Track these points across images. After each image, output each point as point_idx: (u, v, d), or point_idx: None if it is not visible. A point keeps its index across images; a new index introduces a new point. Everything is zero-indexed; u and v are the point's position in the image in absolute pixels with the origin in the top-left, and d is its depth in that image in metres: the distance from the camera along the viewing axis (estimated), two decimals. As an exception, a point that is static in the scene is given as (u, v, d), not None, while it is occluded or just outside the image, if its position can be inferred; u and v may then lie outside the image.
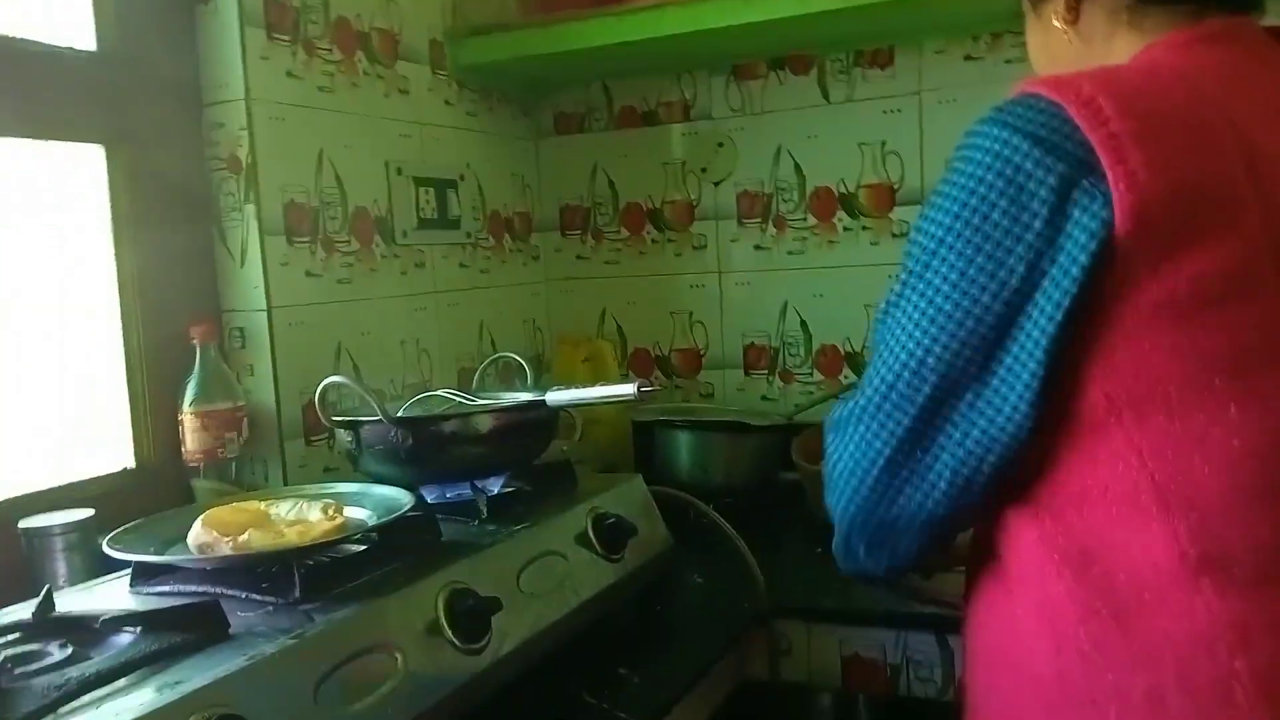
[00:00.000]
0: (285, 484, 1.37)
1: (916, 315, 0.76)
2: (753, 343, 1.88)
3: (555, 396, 1.14)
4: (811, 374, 1.83)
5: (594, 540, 1.16)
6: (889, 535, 0.82)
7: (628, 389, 1.08)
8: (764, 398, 1.87)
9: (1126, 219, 0.68)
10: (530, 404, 1.17)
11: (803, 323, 1.83)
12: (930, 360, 0.75)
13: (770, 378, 1.87)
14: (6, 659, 0.77)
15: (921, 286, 0.76)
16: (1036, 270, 0.71)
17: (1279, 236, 0.70)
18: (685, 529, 1.36)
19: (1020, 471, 0.76)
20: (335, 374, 1.35)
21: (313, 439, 1.42)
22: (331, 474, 1.42)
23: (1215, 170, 0.70)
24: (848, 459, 0.81)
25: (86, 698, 0.72)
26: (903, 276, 0.78)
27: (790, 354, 1.85)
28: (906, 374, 0.76)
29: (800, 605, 1.27)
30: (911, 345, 0.76)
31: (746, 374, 1.88)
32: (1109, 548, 0.72)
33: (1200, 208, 0.69)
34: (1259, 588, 0.68)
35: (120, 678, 0.74)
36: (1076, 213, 0.70)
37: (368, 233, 1.55)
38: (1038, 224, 0.71)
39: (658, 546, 1.28)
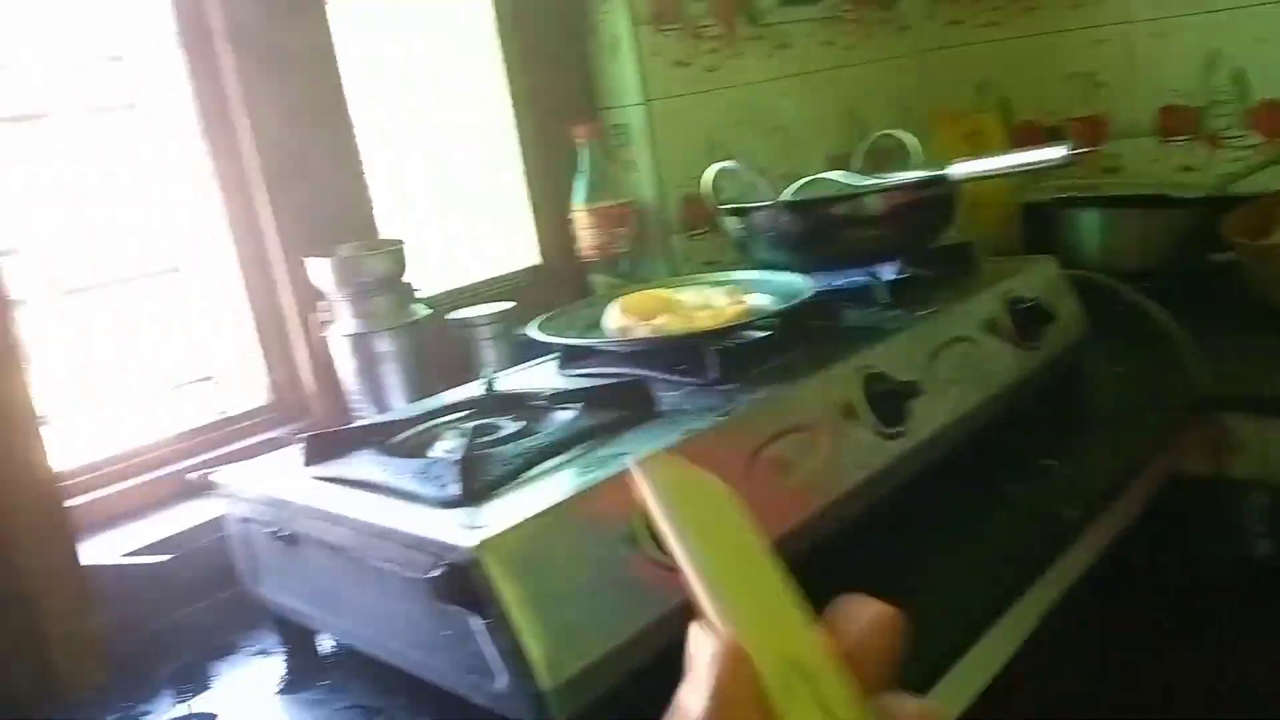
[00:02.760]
0: (673, 277, 1.39)
1: None
2: (1170, 104, 1.61)
3: (961, 169, 1.04)
4: (1245, 136, 1.55)
5: (1007, 325, 1.07)
6: None
7: (1054, 153, 0.96)
8: (1185, 168, 1.61)
9: None
10: (930, 180, 1.07)
11: (1237, 74, 1.54)
12: None
13: (1192, 144, 1.60)
14: (473, 429, 0.84)
15: None
16: None
17: None
18: (1098, 316, 1.23)
19: None
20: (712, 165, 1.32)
21: (694, 233, 1.43)
22: (713, 266, 1.43)
23: None
24: None
25: (546, 464, 0.77)
26: None
27: (1218, 114, 1.57)
28: None
29: (1249, 395, 1.11)
30: None
31: (1162, 141, 1.63)
32: None
33: None
34: None
35: (573, 446, 0.79)
36: None
37: (731, 15, 1.48)
38: None
39: (1074, 334, 1.16)
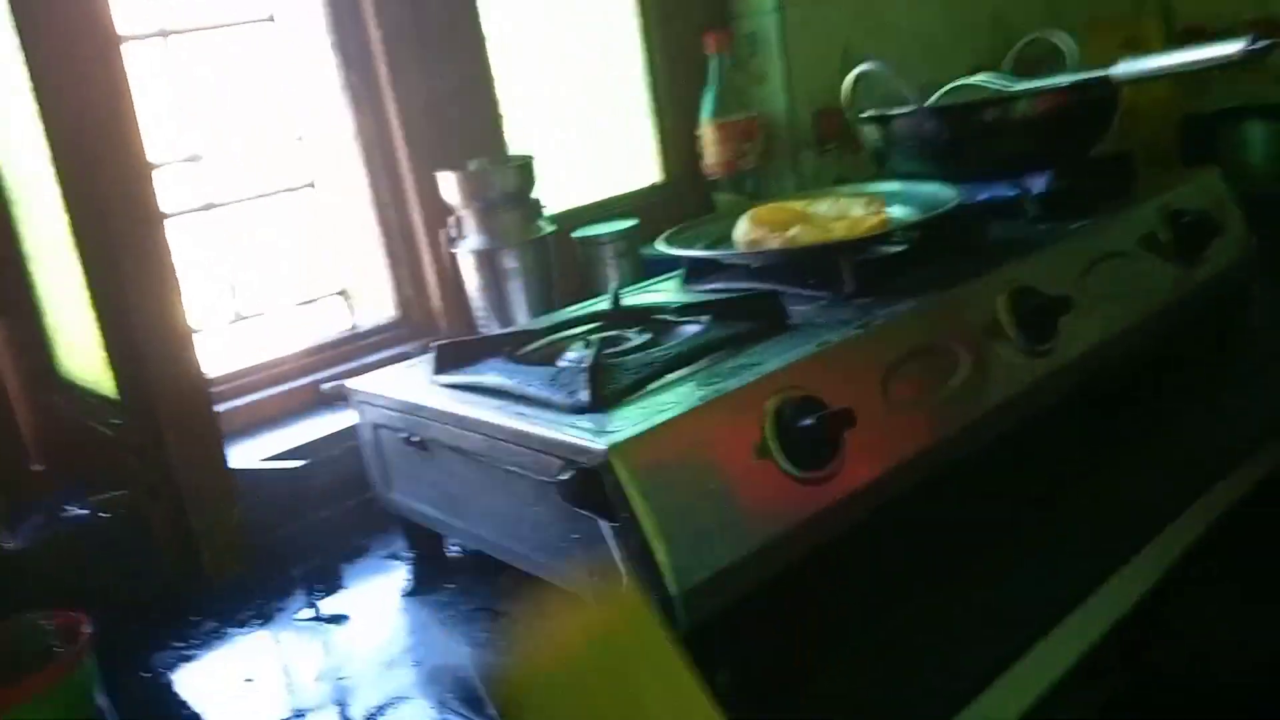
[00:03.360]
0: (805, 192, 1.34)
1: None
2: (1361, 2, 1.45)
3: (1125, 69, 0.95)
4: None
5: (1168, 240, 0.99)
6: None
7: (1230, 48, 0.87)
8: (1376, 75, 1.46)
9: None
10: (1089, 82, 0.99)
11: None
12: None
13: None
14: (601, 340, 0.83)
15: None
16: None
17: None
18: (1266, 237, 1.12)
19: None
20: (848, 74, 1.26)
21: (825, 147, 1.37)
22: (844, 183, 1.37)
23: None
24: None
25: (675, 374, 0.75)
26: None
27: None
28: None
29: None
30: None
31: (1351, 45, 1.47)
32: None
33: None
34: None
35: (702, 358, 0.77)
36: None
37: (871, -85, 1.40)
38: None
39: (1240, 252, 1.07)
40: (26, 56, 0.77)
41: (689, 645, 0.64)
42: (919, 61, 1.48)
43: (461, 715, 0.67)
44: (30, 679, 0.72)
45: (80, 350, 0.81)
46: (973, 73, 1.52)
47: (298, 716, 0.70)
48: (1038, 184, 1.05)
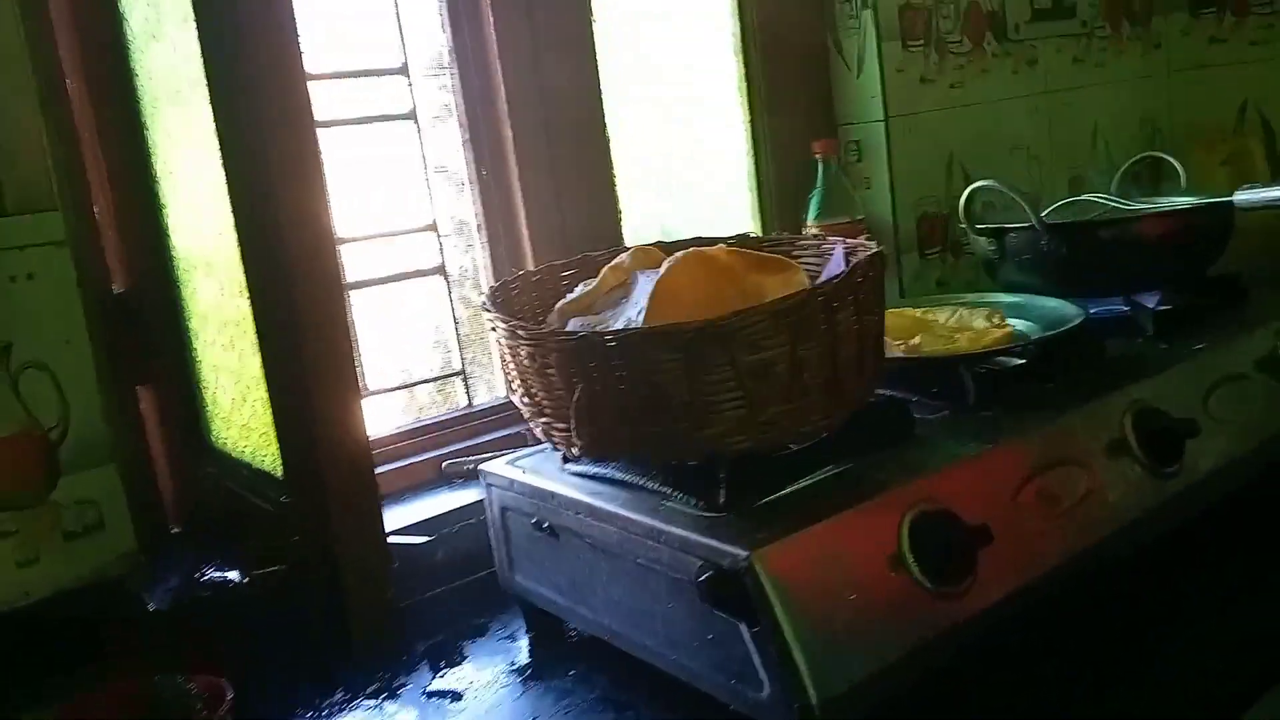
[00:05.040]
0: (901, 297, 1.37)
1: None
2: None
3: (1249, 196, 0.97)
4: None
5: (1287, 365, 0.99)
6: None
7: (1360, 183, 0.88)
8: None
9: None
10: (1209, 206, 1.01)
11: None
12: None
13: None
14: (728, 439, 0.85)
15: None
16: None
17: None
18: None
19: None
20: (970, 183, 1.28)
21: (927, 252, 1.40)
22: (944, 289, 1.40)
23: None
24: None
25: (805, 480, 0.77)
26: None
27: None
28: None
29: None
30: None
31: None
32: None
33: None
34: None
35: (830, 464, 0.79)
36: None
37: (980, 31, 1.44)
38: None
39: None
40: (218, 125, 0.78)
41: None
42: (1021, 171, 1.51)
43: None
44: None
45: (239, 425, 0.85)
46: (1073, 184, 1.55)
47: (428, 796, 0.72)
48: (1149, 301, 1.07)
